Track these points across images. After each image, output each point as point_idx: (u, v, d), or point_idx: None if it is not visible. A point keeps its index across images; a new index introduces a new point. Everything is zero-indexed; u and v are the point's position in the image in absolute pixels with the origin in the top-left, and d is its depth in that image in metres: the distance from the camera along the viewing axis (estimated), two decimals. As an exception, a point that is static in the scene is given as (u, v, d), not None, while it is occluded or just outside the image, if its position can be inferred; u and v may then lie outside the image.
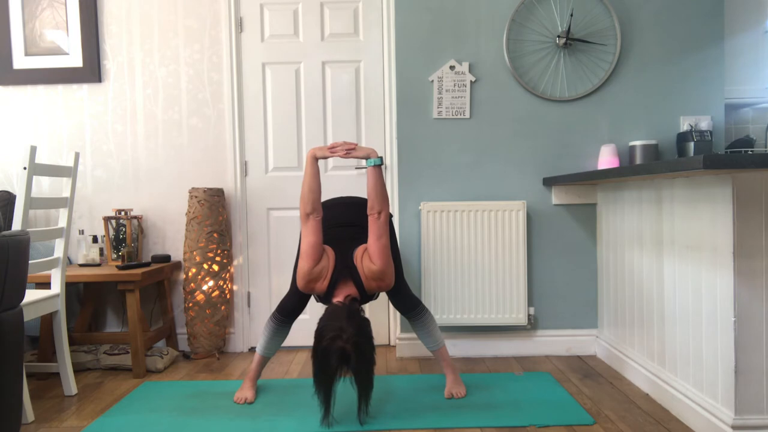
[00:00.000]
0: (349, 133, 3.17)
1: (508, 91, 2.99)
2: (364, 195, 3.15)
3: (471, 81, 2.98)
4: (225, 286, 3.05)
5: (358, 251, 2.20)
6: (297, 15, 3.16)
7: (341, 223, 2.36)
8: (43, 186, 3.20)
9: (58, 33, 3.16)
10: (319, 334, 2.01)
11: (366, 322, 2.06)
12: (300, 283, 2.17)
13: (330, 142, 3.18)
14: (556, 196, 2.98)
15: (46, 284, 2.77)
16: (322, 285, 2.17)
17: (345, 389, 2.47)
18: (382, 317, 3.21)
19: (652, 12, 2.96)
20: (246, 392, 2.38)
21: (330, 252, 2.20)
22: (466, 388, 2.45)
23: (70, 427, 2.14)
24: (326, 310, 2.10)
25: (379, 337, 3.21)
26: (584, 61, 2.97)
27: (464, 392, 2.38)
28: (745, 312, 1.81)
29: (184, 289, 3.01)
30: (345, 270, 2.17)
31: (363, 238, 2.27)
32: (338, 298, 2.15)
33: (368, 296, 2.26)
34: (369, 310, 3.21)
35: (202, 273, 2.96)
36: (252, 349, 3.21)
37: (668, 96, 2.97)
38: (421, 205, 2.92)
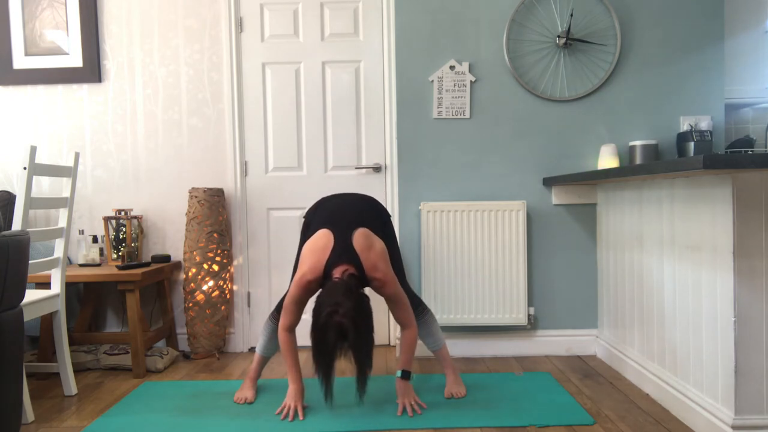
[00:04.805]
0: (349, 133, 3.17)
1: (508, 91, 2.99)
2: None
3: (471, 81, 2.98)
4: (225, 286, 3.05)
5: (358, 235, 2.17)
6: (297, 15, 3.16)
7: (340, 205, 2.32)
8: (43, 186, 3.20)
9: (58, 33, 3.16)
10: (317, 310, 1.99)
11: (364, 298, 2.03)
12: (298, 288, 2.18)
13: (330, 142, 3.18)
14: (556, 196, 2.98)
15: (46, 284, 2.77)
16: (318, 276, 2.14)
17: (344, 389, 2.47)
18: (383, 317, 3.21)
19: (652, 12, 2.96)
20: (246, 392, 2.38)
21: (328, 237, 2.17)
22: (466, 388, 2.45)
23: (70, 427, 2.14)
24: (324, 287, 2.07)
25: (379, 337, 3.21)
26: (584, 61, 2.97)
27: (464, 392, 2.38)
28: (745, 312, 1.81)
29: (184, 289, 3.01)
30: (344, 255, 2.13)
31: (361, 221, 2.24)
32: (336, 275, 2.11)
33: (368, 280, 2.20)
34: (369, 310, 3.21)
35: (202, 273, 2.96)
36: (252, 349, 3.21)
37: (668, 96, 2.97)
38: (421, 205, 2.92)
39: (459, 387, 2.39)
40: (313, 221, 2.34)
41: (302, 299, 2.18)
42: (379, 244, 2.20)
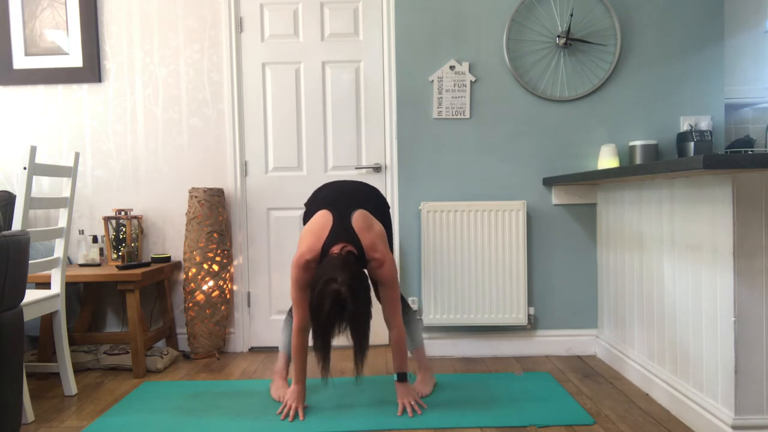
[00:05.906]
0: (349, 133, 3.17)
1: (508, 91, 2.99)
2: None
3: (471, 81, 2.98)
4: (225, 286, 3.05)
5: (357, 216, 2.16)
6: (297, 15, 3.16)
7: (340, 188, 2.32)
8: (43, 186, 3.20)
9: (58, 33, 3.16)
10: (314, 281, 1.97)
11: (363, 272, 2.00)
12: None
13: (330, 142, 3.18)
14: (556, 196, 2.98)
15: (46, 284, 2.77)
16: (316, 255, 2.11)
17: (345, 390, 2.47)
18: (382, 318, 3.21)
19: (652, 12, 2.96)
20: (280, 390, 2.39)
21: (326, 217, 2.15)
22: (466, 387, 2.45)
23: (70, 427, 2.14)
24: (322, 263, 2.05)
25: (378, 337, 3.21)
26: (584, 61, 2.97)
27: (429, 391, 2.39)
28: (745, 312, 1.81)
29: (184, 289, 3.01)
30: (343, 234, 2.11)
31: (361, 204, 2.23)
32: (334, 251, 2.08)
33: (366, 261, 2.17)
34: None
35: (202, 273, 2.96)
36: (252, 349, 3.21)
37: (668, 96, 2.97)
38: (421, 205, 2.92)
39: (425, 386, 2.40)
40: (312, 206, 2.33)
41: (305, 282, 2.12)
42: (378, 225, 2.20)
